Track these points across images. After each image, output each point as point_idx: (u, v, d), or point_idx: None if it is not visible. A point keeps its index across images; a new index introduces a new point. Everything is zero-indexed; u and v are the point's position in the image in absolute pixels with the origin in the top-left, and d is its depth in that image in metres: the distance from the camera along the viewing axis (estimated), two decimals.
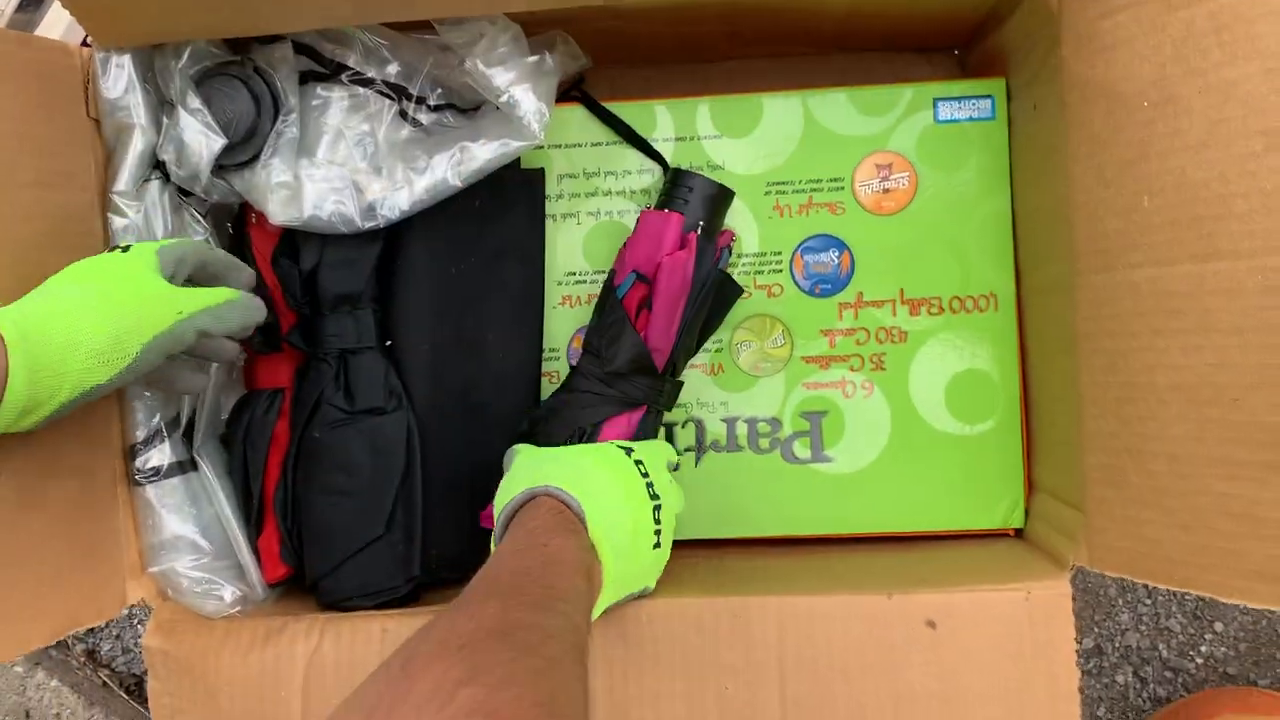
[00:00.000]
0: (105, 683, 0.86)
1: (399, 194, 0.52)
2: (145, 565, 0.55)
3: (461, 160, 0.52)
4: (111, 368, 0.43)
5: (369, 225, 0.53)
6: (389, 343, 0.58)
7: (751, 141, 0.61)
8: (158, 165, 0.56)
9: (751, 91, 0.61)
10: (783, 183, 0.61)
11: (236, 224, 0.60)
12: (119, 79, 0.54)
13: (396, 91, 0.56)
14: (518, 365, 0.60)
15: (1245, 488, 0.43)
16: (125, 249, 0.48)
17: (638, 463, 0.51)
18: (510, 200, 0.60)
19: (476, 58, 0.52)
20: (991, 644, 0.50)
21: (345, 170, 0.52)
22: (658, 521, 0.49)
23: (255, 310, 0.51)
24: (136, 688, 0.85)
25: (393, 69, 0.56)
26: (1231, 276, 0.42)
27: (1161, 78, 0.45)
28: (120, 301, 0.44)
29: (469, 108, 0.58)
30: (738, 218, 0.62)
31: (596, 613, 0.45)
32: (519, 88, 0.52)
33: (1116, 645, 0.80)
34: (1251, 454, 0.42)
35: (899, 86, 0.61)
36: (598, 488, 0.47)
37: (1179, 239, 0.45)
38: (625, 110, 0.61)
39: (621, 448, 0.51)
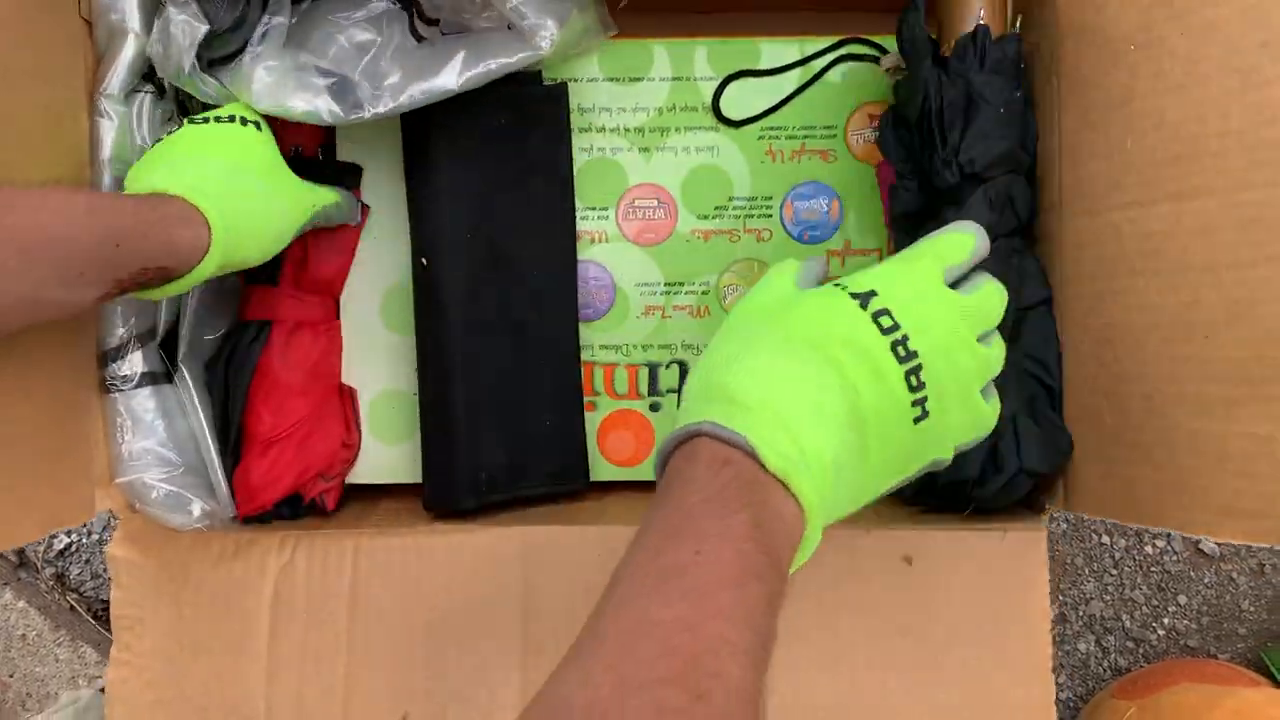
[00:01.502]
0: (73, 607, 0.87)
1: (389, 94, 0.52)
2: (113, 475, 0.55)
3: (462, 70, 0.52)
4: (268, 253, 0.52)
5: (353, 117, 0.53)
6: (425, 262, 0.59)
7: (747, 85, 0.63)
8: (148, 77, 0.57)
9: (748, 36, 0.63)
10: (776, 128, 0.63)
11: None
12: None
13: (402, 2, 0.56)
14: (553, 284, 0.62)
15: (1214, 423, 0.45)
16: (252, 124, 0.54)
17: (878, 314, 0.38)
18: (534, 117, 0.61)
19: None
20: (967, 581, 0.52)
21: (336, 65, 0.52)
22: (917, 386, 0.38)
23: (354, 210, 0.61)
24: (104, 612, 0.87)
25: None
26: (1206, 214, 0.45)
27: (1147, 21, 0.47)
28: (281, 197, 0.53)
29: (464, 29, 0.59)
30: (730, 160, 0.63)
31: (803, 558, 0.37)
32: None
33: (1080, 614, 0.82)
34: (1221, 389, 0.45)
35: (892, 38, 0.63)
36: (784, 393, 0.36)
37: (1158, 179, 0.47)
38: (623, 48, 0.63)
39: (855, 295, 0.39)
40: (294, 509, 0.59)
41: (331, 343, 0.62)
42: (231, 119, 0.53)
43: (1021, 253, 0.54)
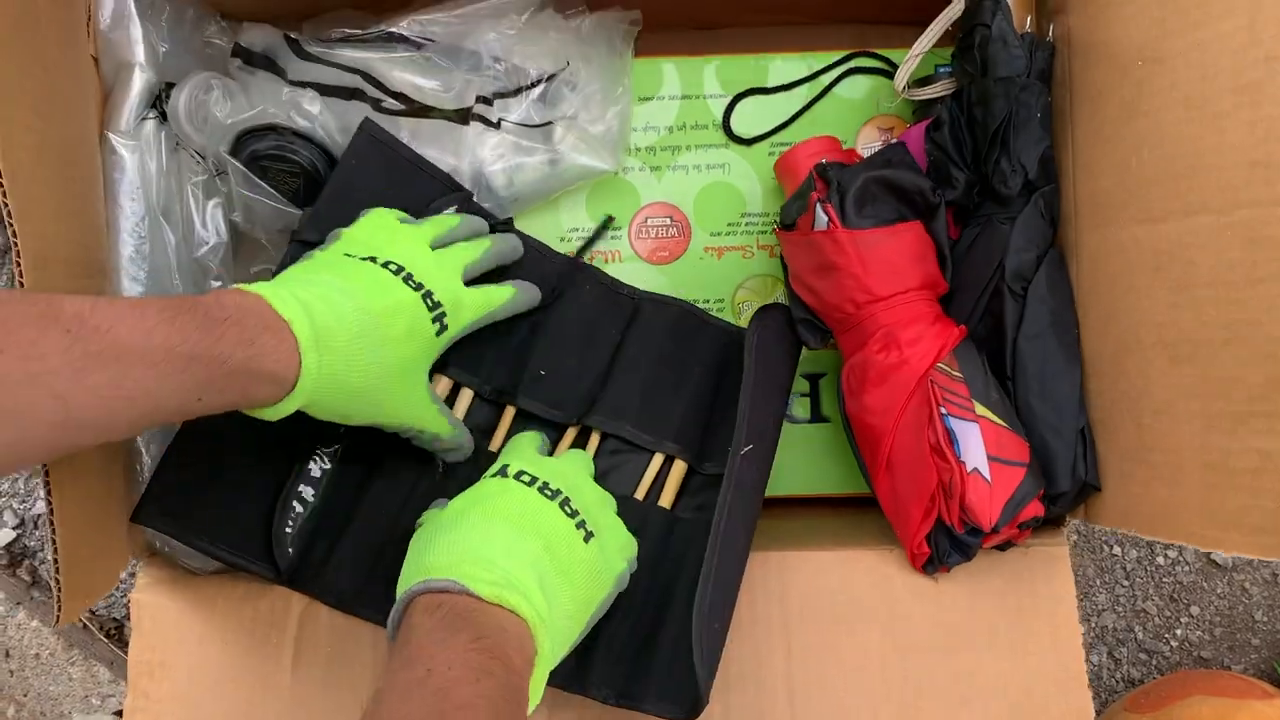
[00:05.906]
0: (85, 625, 0.91)
1: None
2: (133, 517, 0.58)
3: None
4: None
5: None
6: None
7: (757, 101, 0.67)
8: (154, 104, 0.60)
9: (758, 52, 0.67)
10: (787, 144, 0.67)
11: None
12: (119, 12, 0.58)
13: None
14: None
15: (1219, 440, 0.49)
16: (390, 267, 0.53)
17: (543, 488, 0.51)
18: None
19: None
20: (995, 596, 0.56)
21: None
22: (582, 526, 0.51)
23: (527, 295, 0.59)
24: (116, 631, 0.90)
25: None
26: (1209, 231, 0.48)
27: (1152, 38, 0.51)
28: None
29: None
30: (741, 177, 0.67)
31: (538, 688, 0.44)
32: None
33: (1092, 625, 0.87)
34: (1224, 407, 0.48)
35: (902, 51, 0.67)
36: (481, 543, 0.47)
37: (1163, 196, 0.51)
38: (633, 67, 0.67)
39: (523, 476, 0.52)
40: None
41: None
42: (372, 260, 0.53)
43: (1063, 266, 0.58)
